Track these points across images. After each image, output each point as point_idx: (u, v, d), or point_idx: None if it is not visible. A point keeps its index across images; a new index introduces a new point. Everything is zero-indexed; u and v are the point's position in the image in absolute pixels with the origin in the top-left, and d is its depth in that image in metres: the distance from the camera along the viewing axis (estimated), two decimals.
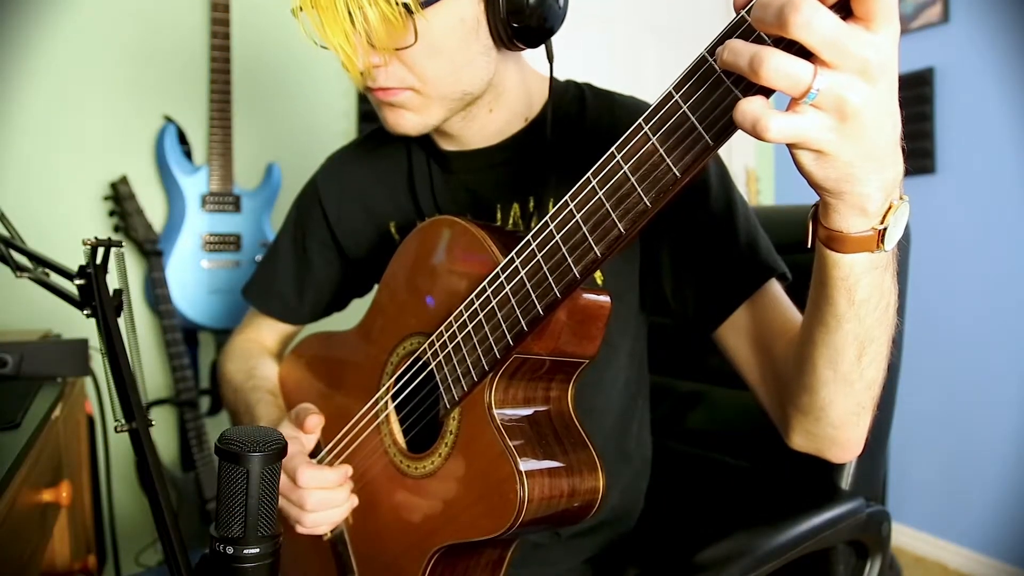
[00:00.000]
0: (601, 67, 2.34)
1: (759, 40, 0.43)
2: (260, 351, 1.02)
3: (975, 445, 2.19)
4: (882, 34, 0.41)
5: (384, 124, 0.80)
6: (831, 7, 0.40)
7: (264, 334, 1.05)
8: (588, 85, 0.88)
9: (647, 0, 2.44)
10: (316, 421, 0.76)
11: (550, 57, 0.79)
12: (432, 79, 0.74)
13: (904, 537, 2.34)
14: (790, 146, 0.45)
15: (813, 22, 0.39)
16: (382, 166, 0.94)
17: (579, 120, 0.84)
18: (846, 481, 0.86)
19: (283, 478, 0.73)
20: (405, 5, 0.67)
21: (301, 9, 0.71)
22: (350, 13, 0.67)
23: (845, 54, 0.40)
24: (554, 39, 0.78)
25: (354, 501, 0.76)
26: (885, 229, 0.49)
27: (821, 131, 0.43)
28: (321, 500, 0.72)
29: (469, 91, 0.77)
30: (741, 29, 0.44)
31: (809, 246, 0.54)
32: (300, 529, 0.74)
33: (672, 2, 2.49)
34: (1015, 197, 2.08)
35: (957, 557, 2.23)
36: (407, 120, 0.78)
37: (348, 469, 0.76)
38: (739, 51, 0.42)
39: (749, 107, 0.42)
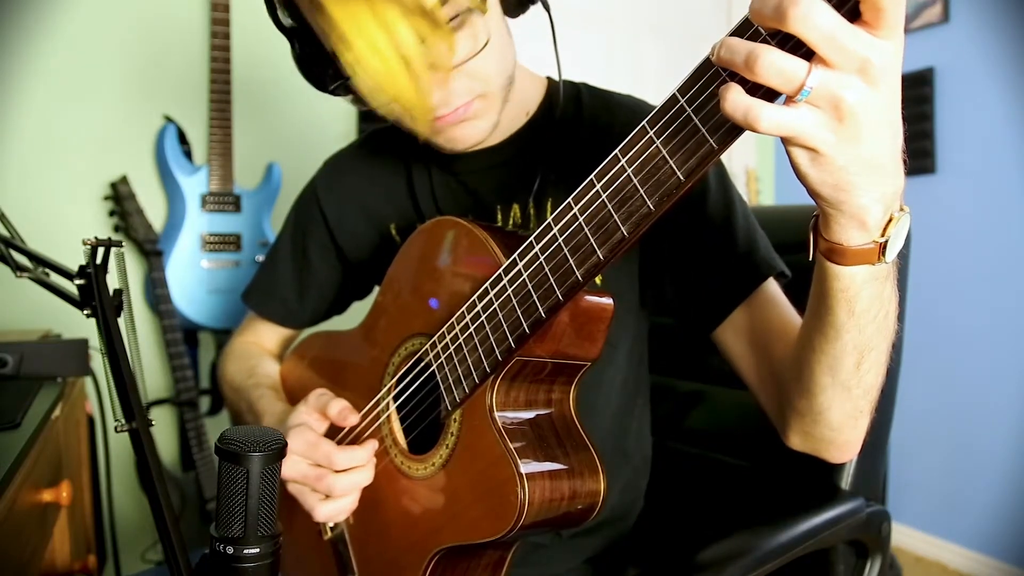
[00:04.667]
0: (600, 66, 2.34)
1: (764, 40, 0.43)
2: (260, 352, 1.02)
3: (975, 445, 2.19)
4: (887, 40, 0.40)
5: (451, 144, 0.77)
6: (838, 8, 0.40)
7: (264, 337, 1.05)
8: (584, 84, 0.88)
9: (646, 0, 2.44)
10: (355, 418, 0.75)
11: (546, 6, 0.75)
12: (494, 75, 0.72)
13: (904, 537, 2.34)
14: (785, 143, 0.45)
15: (811, 17, 0.38)
16: (381, 168, 0.94)
17: (576, 120, 0.84)
18: (846, 481, 0.86)
19: (304, 466, 0.72)
20: (469, 10, 0.65)
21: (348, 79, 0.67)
22: (407, 54, 0.63)
23: (844, 52, 0.40)
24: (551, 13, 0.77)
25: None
26: (886, 242, 0.49)
27: (815, 128, 0.42)
28: (351, 483, 0.72)
29: (511, 73, 0.76)
30: (750, 31, 0.44)
31: (810, 258, 0.54)
32: (318, 517, 0.73)
33: (671, 1, 2.49)
34: (1015, 197, 2.08)
35: (957, 557, 2.23)
36: (476, 129, 0.75)
37: (375, 444, 0.75)
38: (735, 48, 0.42)
39: (740, 98, 0.42)
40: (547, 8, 0.76)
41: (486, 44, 0.68)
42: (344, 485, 0.72)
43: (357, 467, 0.73)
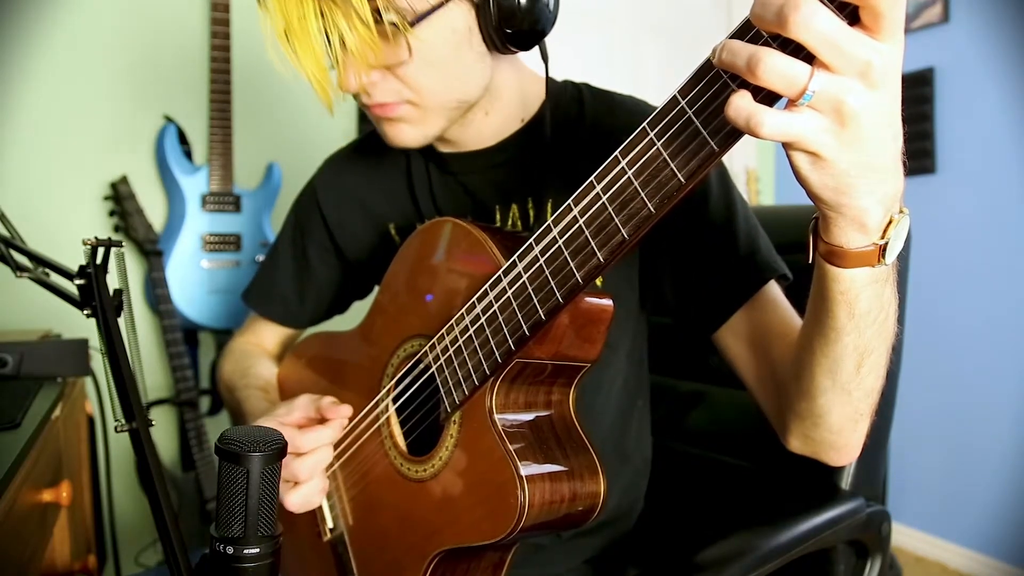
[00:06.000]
0: (600, 67, 2.34)
1: (765, 43, 0.43)
2: (258, 352, 1.02)
3: (975, 445, 2.19)
4: (887, 43, 0.41)
5: (384, 139, 0.80)
6: (838, 12, 0.40)
7: (264, 337, 1.05)
8: (586, 85, 0.87)
9: (646, 0, 2.44)
10: (348, 411, 0.75)
11: (545, 58, 0.78)
12: (428, 91, 0.73)
13: (904, 537, 2.34)
14: (786, 147, 0.45)
15: (812, 22, 0.39)
16: (380, 168, 0.94)
17: (578, 120, 0.84)
18: (846, 481, 0.86)
19: None
20: (393, 24, 0.66)
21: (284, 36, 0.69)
22: (328, 39, 0.66)
23: (845, 56, 0.40)
24: (552, 38, 0.78)
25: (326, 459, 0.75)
26: (886, 244, 0.49)
27: (817, 132, 0.43)
28: (315, 464, 0.72)
29: (466, 99, 0.77)
30: (751, 33, 0.43)
31: (809, 261, 0.54)
32: (290, 507, 0.72)
33: (671, 2, 2.49)
34: (1015, 197, 2.08)
35: (957, 557, 2.23)
36: (406, 133, 0.77)
37: (344, 417, 0.75)
38: (737, 51, 0.42)
39: (742, 103, 0.42)
40: (545, 59, 0.78)
41: (407, 61, 0.69)
42: (308, 467, 0.71)
43: (319, 447, 0.72)
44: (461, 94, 0.76)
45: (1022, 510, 2.08)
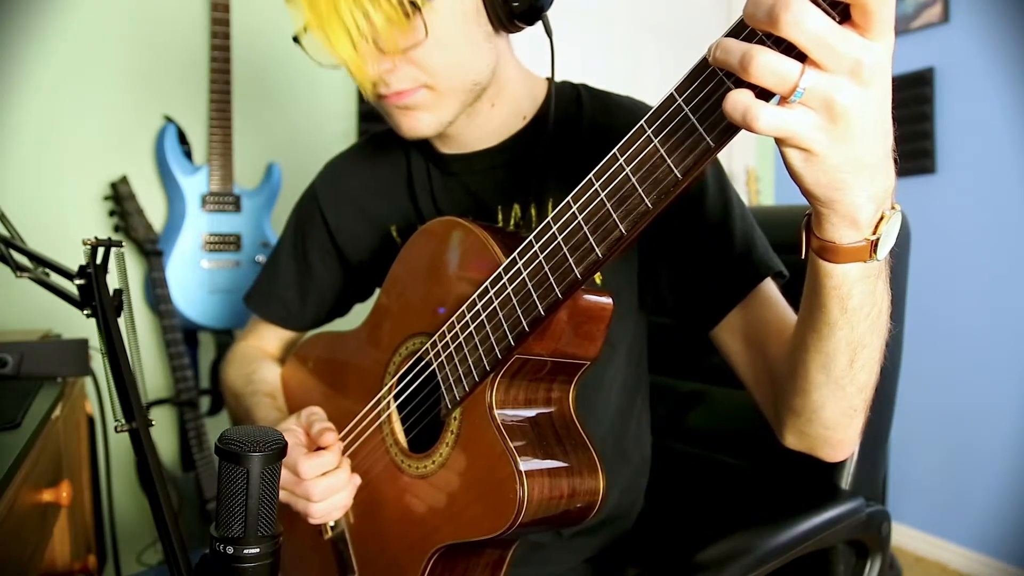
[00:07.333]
0: (600, 67, 2.34)
1: (760, 41, 0.43)
2: (261, 355, 1.02)
3: (975, 445, 2.19)
4: (877, 41, 0.41)
5: (399, 131, 0.79)
6: (830, 10, 0.40)
7: (266, 340, 1.05)
8: (584, 85, 0.88)
9: (646, 0, 2.44)
10: (333, 438, 0.74)
11: (548, 31, 0.78)
12: (444, 73, 0.74)
13: (904, 537, 2.34)
14: (779, 143, 0.45)
15: (803, 20, 0.39)
16: (381, 170, 0.94)
17: (576, 120, 0.84)
18: (846, 481, 0.86)
19: (284, 473, 0.73)
20: (411, 2, 0.67)
21: (306, 30, 0.71)
22: (355, 22, 0.67)
23: (835, 54, 0.40)
24: (552, 38, 0.78)
25: (356, 480, 0.76)
26: (877, 239, 0.49)
27: (810, 129, 0.43)
28: (327, 487, 0.72)
29: (479, 80, 0.77)
30: (746, 31, 0.44)
31: (803, 256, 0.54)
32: (312, 520, 0.73)
33: (671, 2, 2.49)
34: (1015, 197, 2.09)
35: (957, 557, 2.23)
36: (422, 122, 0.77)
37: (340, 446, 0.76)
38: (730, 49, 0.43)
39: (740, 97, 0.42)
40: (549, 33, 0.77)
41: (423, 41, 0.70)
42: (320, 490, 0.72)
43: (329, 472, 0.73)
44: (475, 75, 0.76)
45: (1022, 510, 2.08)
